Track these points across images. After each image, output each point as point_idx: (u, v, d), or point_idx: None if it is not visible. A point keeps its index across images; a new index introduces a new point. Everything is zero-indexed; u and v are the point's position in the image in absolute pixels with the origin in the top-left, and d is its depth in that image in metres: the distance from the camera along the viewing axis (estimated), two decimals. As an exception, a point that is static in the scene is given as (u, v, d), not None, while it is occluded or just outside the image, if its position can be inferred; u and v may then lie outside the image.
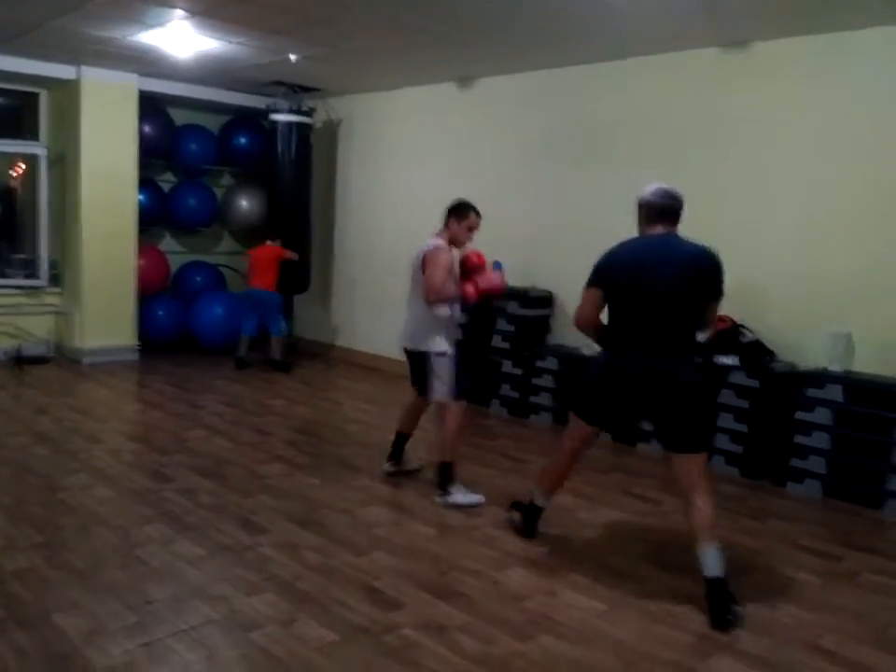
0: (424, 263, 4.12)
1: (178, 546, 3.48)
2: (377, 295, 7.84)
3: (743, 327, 5.02)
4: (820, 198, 4.87)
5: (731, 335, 4.98)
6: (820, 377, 4.61)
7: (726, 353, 4.92)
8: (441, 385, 4.10)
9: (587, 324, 3.34)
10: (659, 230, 3.22)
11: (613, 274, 3.21)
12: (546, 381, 5.96)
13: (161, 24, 5.44)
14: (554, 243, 6.31)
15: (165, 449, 4.93)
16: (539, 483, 3.66)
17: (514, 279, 6.44)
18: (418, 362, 4.20)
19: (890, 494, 4.33)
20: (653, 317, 3.11)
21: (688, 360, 3.24)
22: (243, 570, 3.27)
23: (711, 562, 3.03)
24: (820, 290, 4.86)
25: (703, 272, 3.13)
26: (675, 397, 3.12)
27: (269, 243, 7.39)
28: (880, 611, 3.18)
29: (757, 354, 4.92)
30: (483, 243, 6.69)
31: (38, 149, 7.68)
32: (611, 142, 5.93)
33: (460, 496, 4.10)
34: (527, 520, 3.69)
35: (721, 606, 2.96)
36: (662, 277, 3.08)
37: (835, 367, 4.67)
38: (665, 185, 3.32)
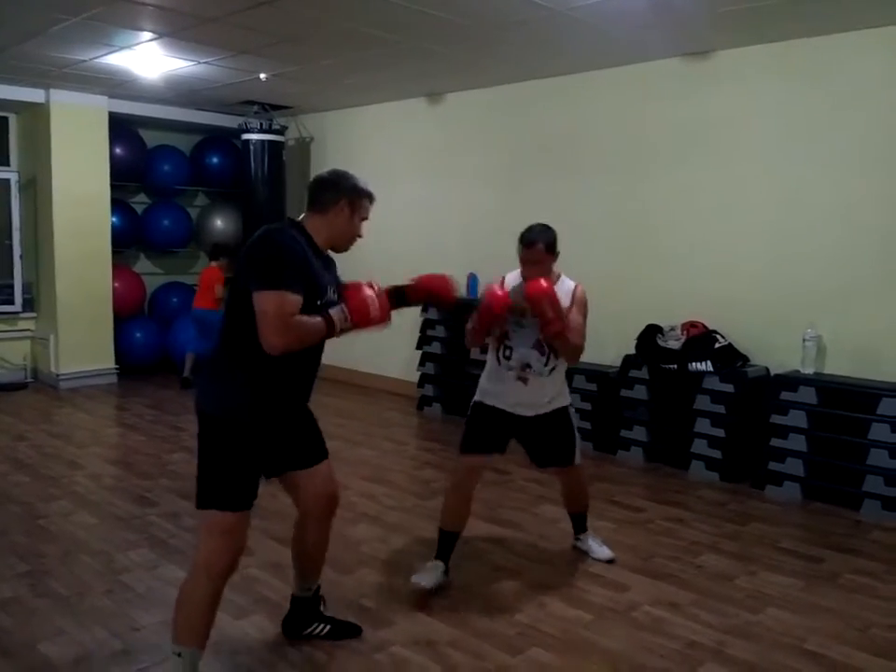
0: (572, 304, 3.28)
1: (164, 570, 3.46)
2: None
3: (715, 332, 5.09)
4: (790, 202, 4.96)
5: (704, 341, 5.05)
6: (793, 380, 4.69)
7: (699, 359, 4.99)
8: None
9: None
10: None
11: None
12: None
13: (129, 46, 5.44)
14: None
15: (147, 473, 4.90)
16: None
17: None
18: (549, 425, 3.42)
19: (868, 495, 4.41)
20: None
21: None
22: (230, 593, 3.22)
23: None
24: (791, 294, 4.95)
25: None
26: None
27: (213, 263, 7.39)
28: (863, 611, 3.23)
29: (730, 359, 4.99)
30: (457, 255, 6.79)
31: (9, 174, 7.62)
32: (580, 153, 6.01)
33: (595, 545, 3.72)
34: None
35: None
36: None
37: (808, 369, 4.76)
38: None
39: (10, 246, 7.64)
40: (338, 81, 6.51)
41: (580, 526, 3.73)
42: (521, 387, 3.29)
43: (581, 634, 2.98)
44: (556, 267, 3.37)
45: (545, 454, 3.49)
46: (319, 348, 2.57)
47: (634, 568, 3.58)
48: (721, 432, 4.93)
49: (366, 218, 2.65)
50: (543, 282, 3.09)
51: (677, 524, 4.19)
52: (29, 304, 7.66)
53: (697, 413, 5.02)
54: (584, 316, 3.27)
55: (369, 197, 2.63)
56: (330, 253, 2.67)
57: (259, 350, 2.32)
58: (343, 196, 2.53)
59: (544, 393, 3.33)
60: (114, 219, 7.60)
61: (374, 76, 6.26)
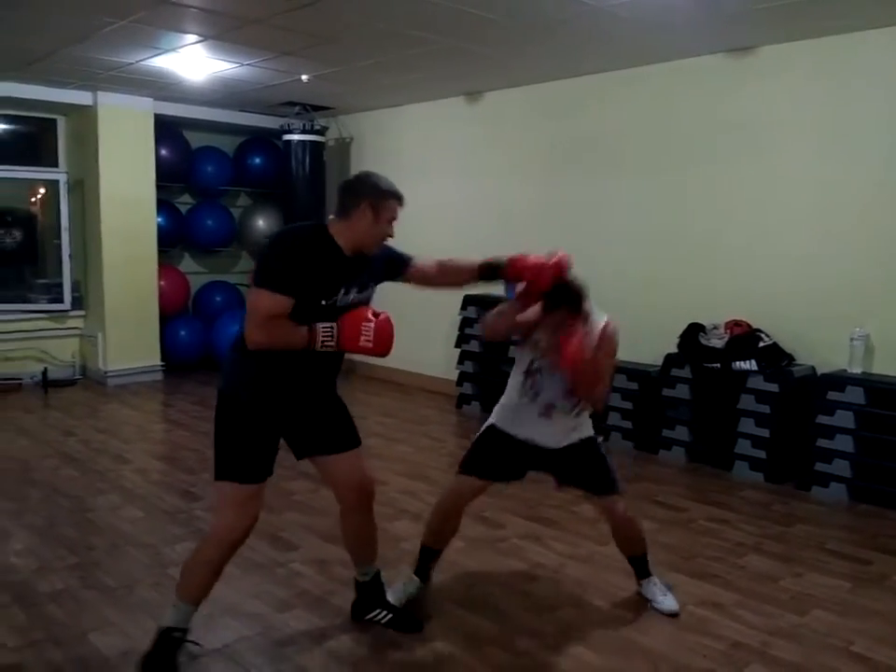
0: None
1: (209, 564, 3.52)
2: (393, 308, 7.87)
3: (760, 331, 5.02)
4: (833, 199, 4.87)
5: (748, 340, 4.98)
6: (841, 380, 4.61)
7: (744, 358, 4.93)
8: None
9: None
10: None
11: None
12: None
13: (174, 49, 5.53)
14: (567, 252, 6.33)
15: (192, 468, 4.98)
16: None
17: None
18: (577, 455, 3.09)
19: (917, 495, 4.32)
20: None
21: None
22: (274, 587, 3.31)
23: None
24: (837, 292, 4.86)
25: None
26: None
27: None
28: (911, 614, 3.17)
29: (775, 358, 4.92)
30: (494, 254, 6.76)
31: (58, 175, 7.80)
32: (620, 151, 5.97)
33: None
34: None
35: None
36: None
37: (855, 369, 4.67)
38: None
39: (59, 246, 7.82)
40: (377, 81, 6.55)
41: (640, 571, 3.25)
42: (544, 422, 3.01)
43: (622, 633, 2.97)
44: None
45: (578, 479, 3.12)
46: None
47: (676, 568, 3.55)
48: (765, 432, 4.86)
49: (394, 219, 2.63)
50: (578, 345, 2.74)
51: (720, 524, 4.14)
52: (78, 303, 7.83)
53: (741, 413, 4.95)
54: (612, 356, 2.97)
55: (395, 197, 2.60)
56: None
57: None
58: (364, 199, 2.53)
59: (567, 426, 3.04)
60: (159, 219, 7.73)
61: (413, 75, 6.28)
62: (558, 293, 2.83)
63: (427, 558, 3.20)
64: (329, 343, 2.47)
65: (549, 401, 2.99)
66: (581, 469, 3.09)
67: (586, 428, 3.10)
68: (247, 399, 2.56)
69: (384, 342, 2.54)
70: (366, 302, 2.67)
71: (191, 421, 6.22)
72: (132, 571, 3.45)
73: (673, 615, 3.10)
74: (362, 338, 2.49)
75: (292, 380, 2.59)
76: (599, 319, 2.95)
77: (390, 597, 3.06)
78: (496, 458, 3.09)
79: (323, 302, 2.49)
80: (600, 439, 3.17)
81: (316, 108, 7.81)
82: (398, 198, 2.61)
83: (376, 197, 2.55)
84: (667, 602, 3.15)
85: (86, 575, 3.40)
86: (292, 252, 2.44)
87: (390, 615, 2.96)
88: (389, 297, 8.72)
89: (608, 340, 2.91)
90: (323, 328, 2.46)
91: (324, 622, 3.01)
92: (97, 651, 2.78)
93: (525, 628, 2.99)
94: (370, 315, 2.53)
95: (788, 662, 2.78)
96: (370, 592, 2.99)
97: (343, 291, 2.55)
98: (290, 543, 3.78)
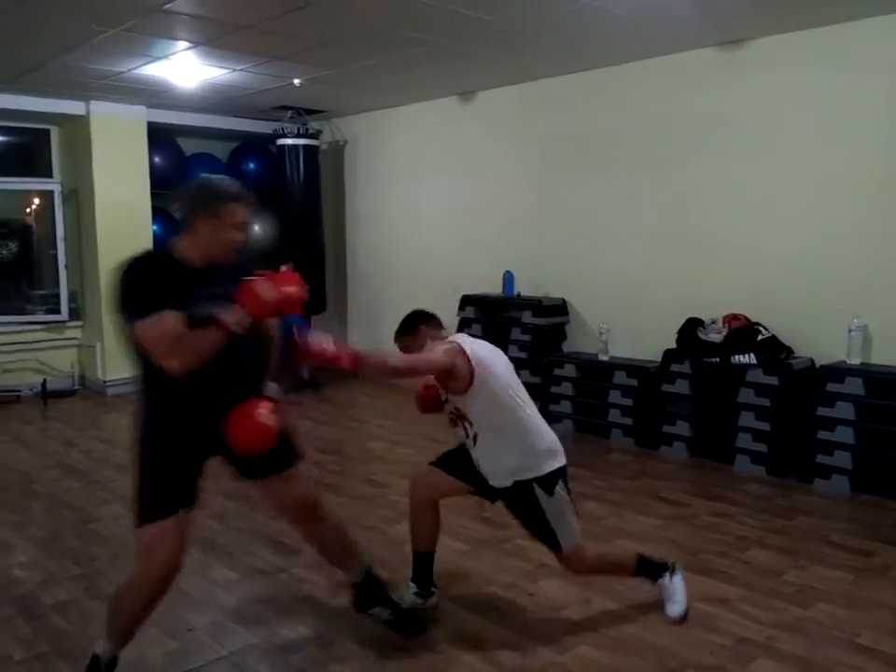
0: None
1: (213, 571, 3.52)
2: (390, 311, 7.89)
3: (758, 325, 5.02)
4: (830, 191, 4.88)
5: (746, 333, 4.98)
6: (840, 371, 4.61)
7: (743, 351, 4.93)
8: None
9: None
10: None
11: None
12: (565, 389, 5.98)
13: (165, 56, 5.53)
14: (562, 250, 6.36)
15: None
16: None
17: (526, 289, 6.51)
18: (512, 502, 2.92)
19: (919, 485, 4.32)
20: None
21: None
22: (278, 593, 3.30)
23: None
24: (835, 283, 4.87)
25: None
26: None
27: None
28: (916, 605, 3.17)
29: (774, 351, 4.92)
30: (492, 253, 6.78)
31: (52, 185, 7.79)
32: (615, 147, 5.97)
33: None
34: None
35: None
36: None
37: (854, 360, 4.68)
38: None
39: (55, 256, 7.81)
40: (370, 83, 6.54)
41: (651, 576, 3.10)
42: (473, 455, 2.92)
43: (628, 631, 2.97)
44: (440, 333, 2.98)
45: (526, 527, 2.93)
46: (231, 360, 2.40)
47: (680, 564, 3.54)
48: (766, 426, 4.87)
49: (241, 223, 2.43)
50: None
51: (723, 518, 4.14)
52: (75, 313, 7.82)
53: (741, 407, 4.96)
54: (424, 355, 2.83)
55: (232, 200, 2.40)
56: None
57: (157, 370, 2.31)
58: (197, 212, 2.38)
59: (491, 463, 2.86)
60: (155, 227, 7.72)
61: (407, 76, 6.28)
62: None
63: (416, 563, 3.12)
64: (241, 316, 2.29)
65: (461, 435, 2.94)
66: (518, 515, 2.91)
67: (522, 472, 2.80)
68: (164, 433, 2.44)
69: (294, 293, 2.42)
70: None
71: (192, 428, 6.21)
72: (136, 581, 3.44)
73: (678, 620, 2.99)
74: (262, 295, 2.32)
75: (202, 404, 2.44)
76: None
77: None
78: (459, 459, 3.01)
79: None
80: (542, 491, 2.77)
81: (310, 112, 7.81)
82: (235, 200, 2.41)
83: (210, 207, 2.37)
84: (672, 608, 3.02)
85: (90, 586, 3.40)
86: (143, 276, 2.33)
87: (391, 612, 2.93)
88: (386, 297, 8.68)
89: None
90: (219, 313, 2.28)
91: (328, 627, 3.01)
92: (103, 662, 2.77)
93: (530, 629, 2.99)
94: (260, 280, 2.37)
95: (794, 655, 2.78)
96: (366, 591, 2.93)
97: (207, 304, 2.35)
98: (292, 549, 3.76)
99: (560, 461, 2.85)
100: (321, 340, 2.51)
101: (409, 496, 3.11)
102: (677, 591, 3.05)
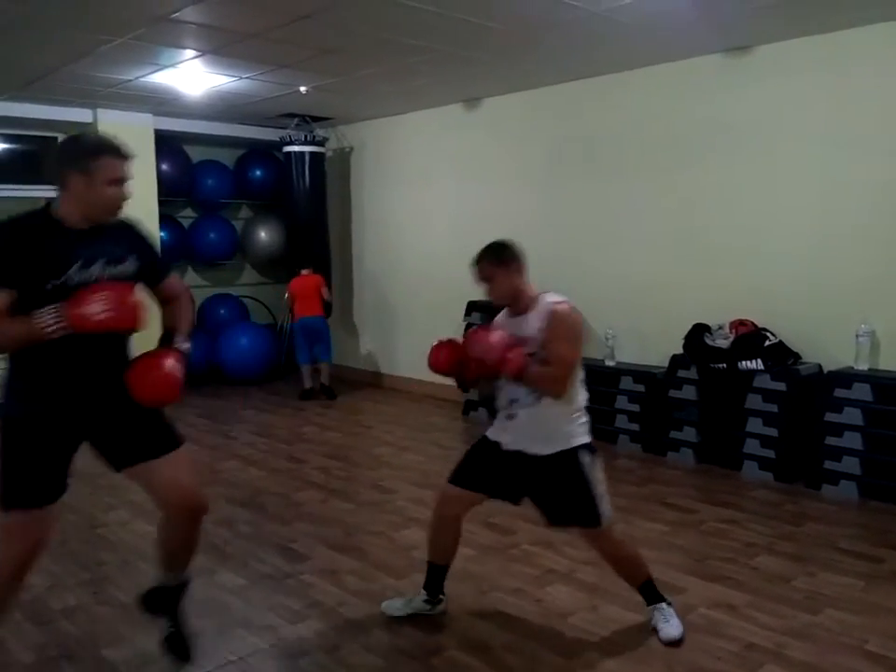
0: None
1: (220, 577, 3.52)
2: (397, 317, 7.92)
3: (765, 330, 5.02)
4: (836, 195, 4.87)
5: (753, 339, 4.98)
6: (847, 377, 4.60)
7: (750, 357, 4.92)
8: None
9: None
10: None
11: None
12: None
13: (172, 65, 5.55)
14: (568, 255, 6.34)
15: (201, 481, 4.96)
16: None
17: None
18: (552, 471, 2.82)
19: (927, 491, 4.31)
20: None
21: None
22: (286, 598, 3.30)
23: None
24: (842, 289, 4.86)
25: None
26: None
27: (304, 272, 7.48)
28: (925, 611, 3.15)
29: (781, 356, 4.91)
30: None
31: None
32: (621, 153, 5.98)
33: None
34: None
35: None
36: None
37: (862, 365, 4.66)
38: None
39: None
40: (376, 90, 6.57)
41: (647, 598, 3.01)
42: (511, 424, 2.85)
43: (636, 637, 2.96)
44: (532, 286, 2.90)
45: (556, 508, 2.87)
46: (91, 339, 2.29)
47: (688, 570, 3.55)
48: (773, 431, 4.85)
49: (118, 179, 2.33)
50: (479, 334, 2.74)
51: (731, 525, 4.13)
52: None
53: (749, 413, 4.95)
54: (565, 340, 2.70)
55: (107, 153, 2.30)
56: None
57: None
58: (68, 168, 2.28)
59: (540, 427, 2.78)
60: (162, 234, 7.75)
61: (412, 83, 6.30)
62: None
63: (430, 574, 3.10)
64: (57, 325, 2.16)
65: (510, 396, 2.83)
66: (556, 491, 2.82)
67: (567, 438, 2.78)
68: (21, 415, 2.37)
69: (124, 306, 2.21)
70: (128, 278, 2.39)
71: (198, 434, 6.22)
72: (143, 585, 3.41)
73: (673, 643, 2.87)
74: (95, 307, 2.16)
75: (62, 384, 2.37)
76: (549, 303, 2.79)
77: (395, 608, 3.09)
78: (479, 467, 2.95)
79: (49, 286, 2.24)
80: (587, 458, 2.78)
81: (316, 119, 7.84)
82: (111, 154, 2.31)
83: (81, 162, 2.27)
84: (668, 629, 2.91)
85: (98, 591, 3.41)
86: (2, 242, 2.26)
87: (172, 630, 2.78)
88: (396, 302, 8.72)
89: (555, 321, 2.72)
90: (46, 311, 2.16)
91: (336, 632, 3.01)
92: (112, 667, 2.78)
93: (538, 635, 2.98)
94: (105, 286, 2.24)
95: (802, 662, 2.77)
96: (168, 597, 2.78)
97: (75, 267, 2.29)
98: (300, 554, 3.78)
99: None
100: (488, 338, 2.65)
101: (433, 512, 3.05)
102: (674, 616, 2.96)
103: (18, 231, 2.30)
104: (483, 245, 2.89)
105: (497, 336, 2.70)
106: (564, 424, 2.78)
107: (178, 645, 2.79)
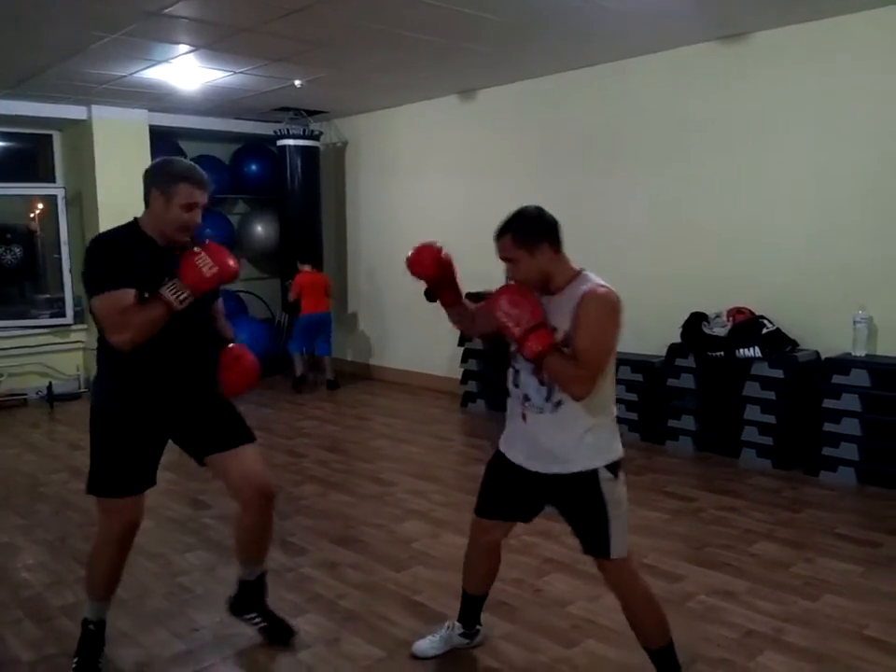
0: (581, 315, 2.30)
1: (221, 571, 3.53)
2: (392, 310, 7.91)
3: (763, 318, 5.01)
4: (833, 182, 4.86)
5: (751, 327, 4.98)
6: (845, 363, 4.60)
7: (748, 345, 4.92)
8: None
9: None
10: None
11: None
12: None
13: (166, 60, 5.54)
14: (564, 245, 6.33)
15: (200, 476, 4.94)
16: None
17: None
18: (568, 493, 2.44)
19: (926, 476, 4.31)
20: None
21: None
22: (285, 592, 3.31)
23: None
24: (839, 276, 4.86)
25: None
26: None
27: (308, 268, 7.50)
28: (924, 595, 3.16)
29: (779, 344, 4.91)
30: (495, 252, 6.76)
31: (56, 190, 7.81)
32: (617, 143, 5.96)
33: None
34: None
35: None
36: None
37: (859, 352, 4.66)
38: None
39: (60, 260, 7.85)
40: (371, 83, 6.55)
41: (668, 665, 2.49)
42: (522, 426, 2.43)
43: (636, 625, 2.96)
44: (572, 264, 2.52)
45: (575, 529, 2.50)
46: (183, 332, 2.52)
47: (688, 558, 3.55)
48: (771, 419, 4.86)
49: (193, 205, 2.49)
50: (511, 290, 2.37)
51: (730, 512, 4.14)
52: (80, 316, 7.84)
53: (747, 400, 4.95)
54: (591, 332, 2.26)
55: (185, 180, 2.47)
56: None
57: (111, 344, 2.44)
58: (153, 187, 2.49)
59: (553, 440, 2.34)
60: (158, 230, 7.74)
61: (407, 75, 6.29)
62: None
63: (465, 604, 2.80)
64: (183, 295, 2.38)
65: (524, 390, 2.42)
66: (572, 515, 2.47)
67: (588, 458, 2.35)
68: (117, 408, 2.55)
69: (223, 260, 2.47)
70: (207, 299, 2.59)
71: (198, 430, 6.23)
72: (143, 582, 3.46)
73: None
74: (204, 269, 2.42)
75: (157, 380, 2.55)
76: (584, 285, 2.37)
77: (427, 648, 2.79)
78: (501, 491, 2.58)
79: (145, 294, 2.43)
80: (609, 482, 2.38)
81: (311, 113, 7.83)
82: (189, 181, 2.48)
83: (164, 183, 2.47)
84: None
85: (98, 587, 3.40)
86: (106, 251, 2.45)
87: (265, 623, 2.90)
88: (392, 295, 8.71)
89: (588, 307, 2.28)
90: (167, 286, 2.38)
91: (336, 625, 3.01)
92: (112, 663, 2.78)
93: (538, 624, 2.99)
94: (195, 250, 2.46)
95: (802, 648, 2.77)
96: (251, 593, 2.90)
97: (166, 280, 2.44)
98: (299, 548, 3.78)
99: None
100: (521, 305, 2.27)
101: (469, 541, 2.73)
102: None
103: (117, 243, 2.49)
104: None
105: (529, 306, 2.30)
106: (585, 437, 2.33)
107: (278, 633, 2.91)
